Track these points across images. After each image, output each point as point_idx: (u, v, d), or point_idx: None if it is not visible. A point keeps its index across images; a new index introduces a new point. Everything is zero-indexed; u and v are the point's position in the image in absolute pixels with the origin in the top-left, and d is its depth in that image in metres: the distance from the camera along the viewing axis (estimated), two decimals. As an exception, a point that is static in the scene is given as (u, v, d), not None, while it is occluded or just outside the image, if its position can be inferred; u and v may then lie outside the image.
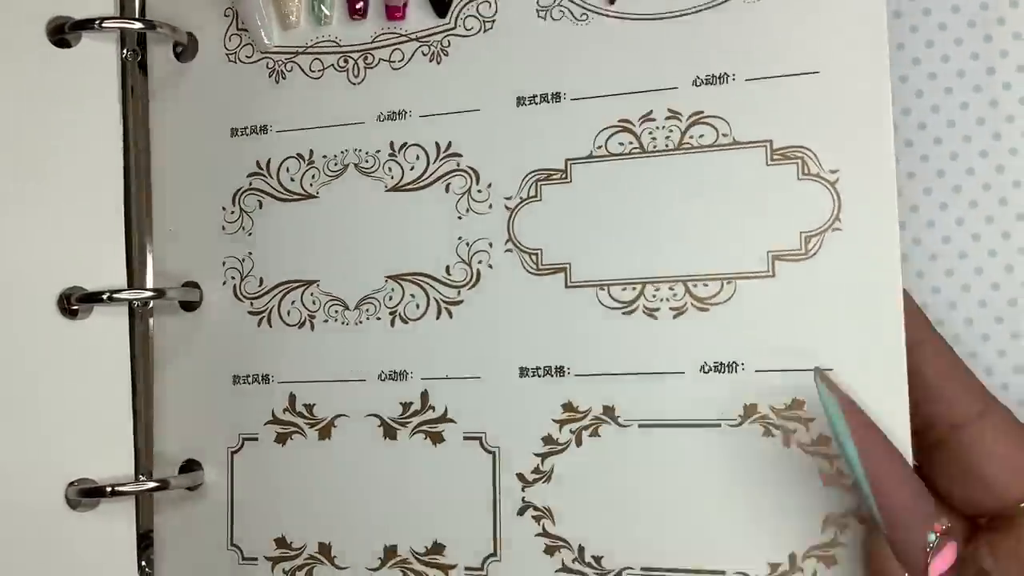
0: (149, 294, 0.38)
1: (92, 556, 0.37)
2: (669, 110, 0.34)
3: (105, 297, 0.38)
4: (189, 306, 0.39)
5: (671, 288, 0.33)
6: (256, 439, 0.38)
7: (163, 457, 0.39)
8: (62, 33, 0.39)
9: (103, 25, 0.38)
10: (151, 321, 0.40)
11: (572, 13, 0.35)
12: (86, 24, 0.38)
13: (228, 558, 0.38)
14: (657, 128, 0.34)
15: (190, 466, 0.39)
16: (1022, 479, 0.30)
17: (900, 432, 0.30)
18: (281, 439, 0.38)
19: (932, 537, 0.28)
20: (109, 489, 0.37)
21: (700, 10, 0.33)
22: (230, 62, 0.39)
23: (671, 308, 0.33)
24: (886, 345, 0.30)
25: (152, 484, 0.38)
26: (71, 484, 0.37)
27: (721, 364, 0.32)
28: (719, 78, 0.33)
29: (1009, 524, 0.30)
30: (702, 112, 0.33)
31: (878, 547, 0.29)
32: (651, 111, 0.34)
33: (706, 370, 0.32)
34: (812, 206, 0.32)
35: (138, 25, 0.39)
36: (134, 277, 0.39)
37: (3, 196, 0.37)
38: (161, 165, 0.40)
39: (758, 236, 0.32)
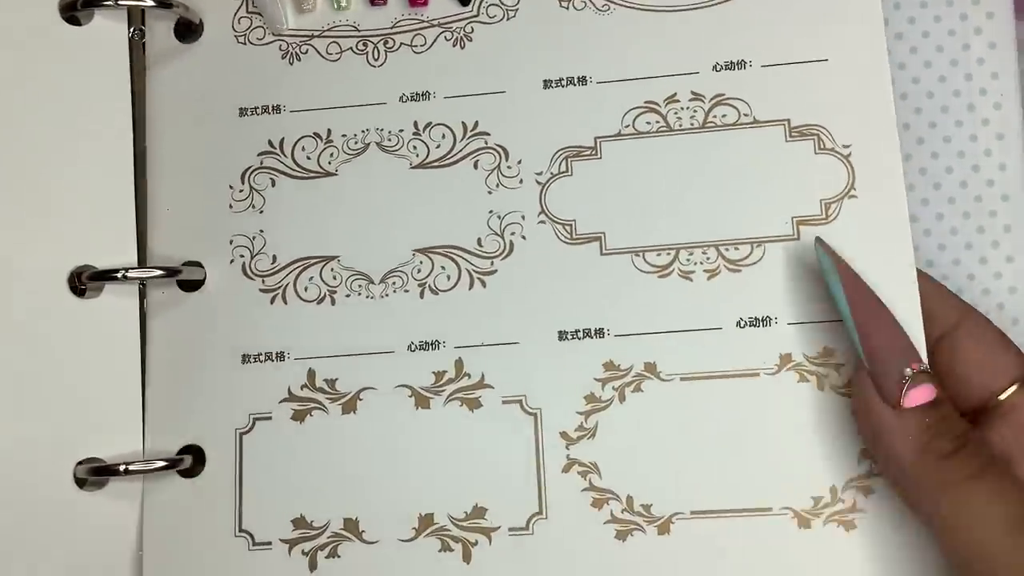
0: (160, 272, 0.37)
1: (96, 535, 0.36)
2: (692, 92, 0.37)
3: (120, 276, 0.36)
4: (190, 286, 0.38)
5: (704, 252, 0.36)
6: (269, 418, 0.37)
7: (158, 442, 0.37)
8: (74, 10, 0.38)
9: (120, 2, 0.38)
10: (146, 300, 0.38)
11: (594, 3, 0.38)
12: (98, 1, 0.38)
13: (237, 545, 0.36)
14: (682, 109, 0.37)
15: (188, 452, 0.37)
16: (996, 376, 0.34)
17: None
18: (299, 416, 0.37)
19: (908, 371, 0.31)
20: (123, 468, 0.35)
21: (716, 2, 0.37)
22: (239, 44, 0.39)
23: (705, 270, 0.36)
24: (901, 294, 0.34)
25: (161, 463, 0.36)
26: (80, 463, 0.36)
27: (756, 319, 0.35)
28: (737, 64, 0.37)
29: (987, 416, 0.34)
30: (723, 95, 0.37)
31: (861, 381, 0.32)
32: (675, 93, 0.37)
33: (742, 325, 0.35)
34: (829, 176, 0.36)
35: (151, 2, 0.38)
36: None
37: (14, 173, 0.36)
38: (160, 144, 0.39)
39: (782, 204, 0.36)
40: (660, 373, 0.35)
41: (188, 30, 0.39)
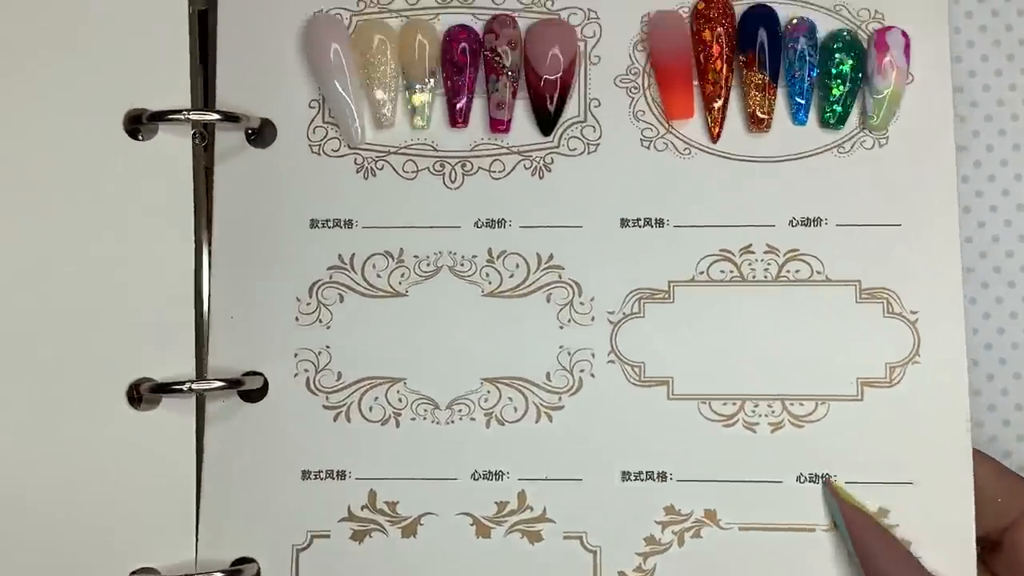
0: (220, 384, 0.37)
1: None
2: (767, 245, 0.38)
3: (185, 388, 0.36)
4: (251, 396, 0.38)
5: (769, 405, 0.37)
6: (328, 536, 0.37)
7: (212, 553, 0.37)
8: (138, 123, 0.38)
9: (189, 116, 0.37)
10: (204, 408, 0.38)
11: (675, 147, 0.38)
12: (164, 115, 0.37)
13: (288, 661, 0.37)
14: (756, 260, 0.37)
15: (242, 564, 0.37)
16: None
17: (966, 536, 0.35)
18: (358, 536, 0.37)
19: None
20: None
21: (796, 158, 0.38)
22: (313, 153, 0.39)
23: (769, 423, 0.37)
24: (956, 464, 0.36)
25: (220, 574, 0.36)
26: (133, 573, 0.37)
27: (816, 475, 0.36)
28: (813, 221, 0.38)
29: None
30: (797, 250, 0.37)
31: None
32: (750, 244, 0.38)
33: (802, 480, 0.36)
34: (896, 341, 0.37)
35: (216, 116, 0.38)
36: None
37: (71, 284, 0.37)
38: (227, 250, 0.38)
39: (849, 364, 0.37)
40: (720, 521, 0.36)
41: (262, 136, 0.39)
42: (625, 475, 0.37)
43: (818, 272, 0.37)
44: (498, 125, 0.38)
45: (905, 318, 0.37)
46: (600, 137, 0.38)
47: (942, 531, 0.35)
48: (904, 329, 0.37)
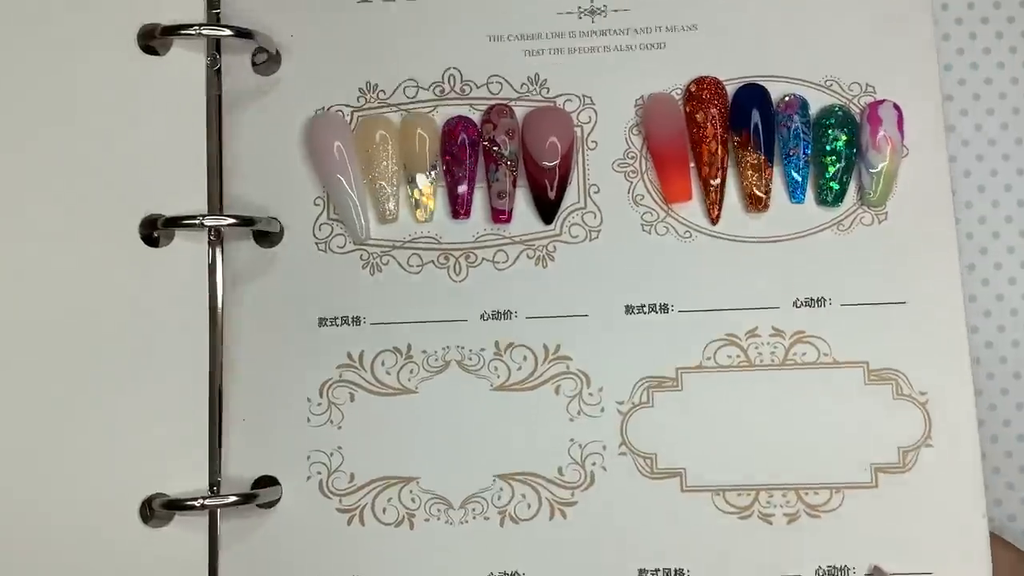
0: (234, 499, 0.37)
1: None
2: (773, 328, 0.37)
3: (198, 504, 0.36)
4: (265, 504, 0.38)
5: (784, 495, 0.37)
6: (346, 641, 0.37)
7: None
8: (153, 229, 0.38)
9: (204, 222, 0.37)
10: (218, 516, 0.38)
11: (676, 230, 0.38)
12: (179, 221, 0.38)
13: None
14: (763, 343, 0.37)
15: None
16: None
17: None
18: (376, 640, 0.37)
19: None
20: None
21: (797, 237, 0.38)
22: (320, 251, 0.39)
23: (785, 514, 0.36)
24: (973, 551, 0.36)
25: None
26: None
27: (834, 568, 0.36)
28: (817, 301, 0.37)
29: None
30: (803, 332, 0.37)
31: None
32: (756, 327, 0.37)
33: (820, 573, 0.36)
34: (907, 424, 0.37)
35: (232, 221, 0.38)
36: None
37: (89, 400, 0.37)
38: (237, 351, 0.38)
39: (861, 449, 0.37)
40: (740, 617, 0.36)
41: (267, 235, 0.39)
42: (642, 572, 0.37)
43: (825, 354, 0.37)
44: (500, 215, 0.38)
45: (915, 400, 0.37)
46: (601, 223, 0.38)
47: (962, 619, 0.35)
48: (915, 411, 0.37)
